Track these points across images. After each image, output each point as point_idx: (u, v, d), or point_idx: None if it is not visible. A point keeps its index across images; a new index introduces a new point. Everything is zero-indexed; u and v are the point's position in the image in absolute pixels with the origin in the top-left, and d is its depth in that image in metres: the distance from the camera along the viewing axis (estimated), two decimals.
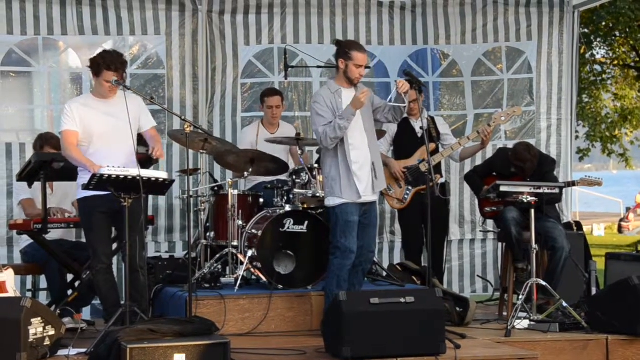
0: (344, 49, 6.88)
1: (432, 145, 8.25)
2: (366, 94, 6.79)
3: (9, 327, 5.87)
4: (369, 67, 9.32)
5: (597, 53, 18.84)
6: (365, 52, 6.93)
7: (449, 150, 8.38)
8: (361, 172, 6.86)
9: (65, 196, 7.88)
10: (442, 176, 8.58)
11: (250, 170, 7.91)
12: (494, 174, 8.16)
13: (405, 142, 8.53)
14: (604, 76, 18.88)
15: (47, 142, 7.75)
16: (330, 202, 6.89)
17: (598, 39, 18.09)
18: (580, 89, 16.81)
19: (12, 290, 6.78)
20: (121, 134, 6.62)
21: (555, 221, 7.90)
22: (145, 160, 6.94)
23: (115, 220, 6.69)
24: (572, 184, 8.40)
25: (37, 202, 7.59)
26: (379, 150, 7.10)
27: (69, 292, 7.55)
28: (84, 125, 6.68)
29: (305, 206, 7.67)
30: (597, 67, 18.73)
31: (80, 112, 6.69)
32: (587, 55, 17.79)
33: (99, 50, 8.66)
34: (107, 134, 6.68)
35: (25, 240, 7.68)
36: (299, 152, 7.92)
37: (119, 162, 6.48)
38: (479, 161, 9.30)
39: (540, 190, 7.47)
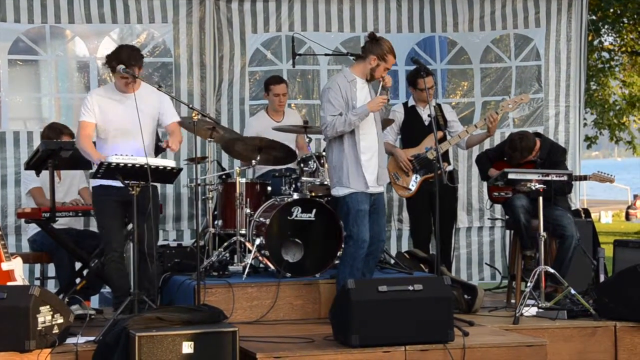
0: (382, 49, 6.83)
1: (440, 133, 8.23)
2: (385, 101, 6.81)
3: (18, 315, 5.88)
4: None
5: (605, 40, 18.77)
6: (395, 56, 6.93)
7: (456, 138, 8.37)
8: (369, 163, 6.86)
9: (71, 183, 7.89)
10: (449, 164, 8.57)
11: (258, 158, 7.91)
12: (505, 159, 8.15)
13: (413, 130, 8.52)
14: (612, 63, 18.80)
15: (65, 130, 7.74)
16: (339, 191, 6.87)
17: (606, 26, 18.01)
18: (588, 76, 16.74)
19: (20, 278, 6.81)
20: (138, 127, 6.63)
21: (563, 209, 7.89)
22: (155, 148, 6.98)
23: (128, 208, 6.69)
24: (584, 178, 8.37)
25: (46, 191, 7.60)
26: (383, 141, 7.09)
27: (77, 280, 7.56)
28: (103, 116, 6.75)
29: (313, 194, 7.67)
30: (605, 54, 18.65)
31: (100, 103, 6.77)
32: (595, 42, 17.73)
33: (105, 40, 8.77)
34: (124, 127, 6.72)
35: (33, 229, 7.68)
36: (307, 140, 7.91)
37: (135, 154, 6.49)
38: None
39: (549, 178, 7.46)
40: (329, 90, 6.87)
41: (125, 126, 6.72)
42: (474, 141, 8.60)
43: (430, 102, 7.58)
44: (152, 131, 6.90)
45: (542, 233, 7.39)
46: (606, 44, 18.86)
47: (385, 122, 8.29)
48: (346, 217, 6.86)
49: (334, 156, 6.91)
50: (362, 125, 6.83)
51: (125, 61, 6.65)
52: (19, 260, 6.90)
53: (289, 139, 8.45)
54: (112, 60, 6.71)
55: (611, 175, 8.28)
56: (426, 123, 8.39)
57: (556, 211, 7.74)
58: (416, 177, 8.39)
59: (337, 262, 7.64)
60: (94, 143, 6.88)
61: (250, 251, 7.52)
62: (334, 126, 6.77)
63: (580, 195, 10.47)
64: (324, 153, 7.76)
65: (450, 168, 8.50)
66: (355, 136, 6.82)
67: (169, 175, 6.62)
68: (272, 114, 8.66)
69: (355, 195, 6.81)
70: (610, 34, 18.63)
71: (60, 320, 6.12)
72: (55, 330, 6.07)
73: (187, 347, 5.82)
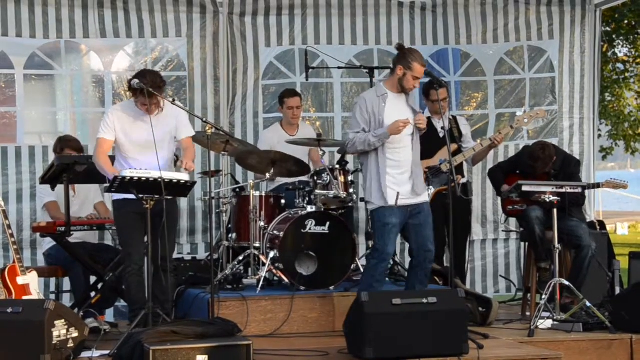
0: (407, 58, 6.86)
1: (454, 146, 8.23)
2: (407, 125, 6.80)
3: (33, 329, 5.90)
4: (389, 67, 9.30)
5: (620, 51, 18.71)
6: (424, 64, 6.93)
7: (470, 151, 8.36)
8: (402, 177, 6.89)
9: (86, 197, 7.92)
10: (463, 176, 8.55)
11: (272, 171, 7.92)
12: (518, 172, 8.13)
13: (427, 142, 8.46)
14: (626, 74, 18.74)
15: (67, 144, 7.81)
16: (369, 206, 7.00)
17: (620, 37, 17.97)
18: (603, 88, 16.69)
19: (35, 292, 6.84)
20: (158, 143, 6.65)
21: (578, 220, 7.86)
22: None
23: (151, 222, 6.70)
24: (597, 185, 8.34)
25: (62, 205, 7.62)
26: (419, 154, 7.09)
27: (92, 294, 7.58)
28: (122, 133, 6.78)
29: (327, 207, 7.68)
30: (620, 66, 18.59)
31: (120, 120, 6.80)
32: (609, 54, 17.68)
33: (120, 55, 8.78)
34: (142, 143, 6.75)
35: (48, 243, 7.72)
36: (320, 153, 7.92)
37: (152, 169, 6.52)
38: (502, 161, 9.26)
39: (563, 190, 7.44)
40: (356, 106, 6.99)
41: (143, 142, 6.76)
42: (479, 157, 8.60)
43: (443, 114, 7.58)
44: (169, 145, 6.91)
45: (557, 245, 7.37)
46: (620, 55, 18.80)
47: None
48: (374, 230, 6.99)
49: (363, 171, 7.04)
50: (393, 140, 6.85)
51: (152, 86, 6.65)
52: (34, 274, 6.94)
53: (302, 153, 8.47)
54: (135, 88, 6.67)
55: (624, 182, 8.24)
56: (441, 135, 8.38)
57: (571, 222, 7.72)
58: (430, 189, 8.38)
59: (351, 274, 7.67)
60: (113, 157, 6.92)
61: (264, 264, 7.53)
62: (354, 144, 6.89)
63: (596, 207, 10.42)
64: (337, 166, 7.79)
65: (464, 180, 8.49)
66: (380, 153, 6.86)
67: (182, 189, 6.64)
68: (286, 127, 8.67)
69: (383, 209, 6.85)
70: (624, 45, 18.58)
71: (75, 334, 6.14)
72: (70, 345, 6.09)
73: None
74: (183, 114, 6.97)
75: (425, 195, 7.03)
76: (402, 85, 6.91)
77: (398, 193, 6.83)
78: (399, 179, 6.88)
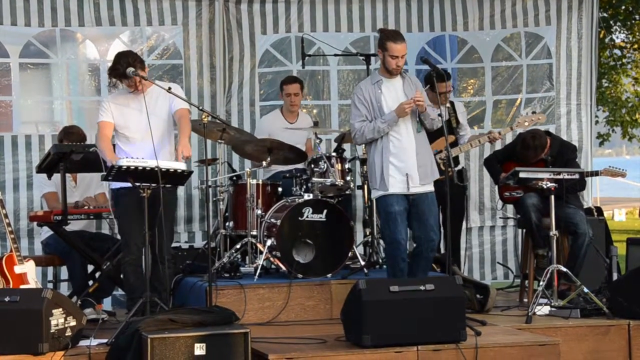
0: (381, 39, 6.91)
1: (451, 137, 8.20)
2: (412, 105, 6.79)
3: (31, 318, 5.90)
4: None
5: (617, 37, 18.70)
6: (401, 42, 6.89)
7: (467, 146, 8.39)
8: (405, 164, 6.88)
9: (87, 188, 7.91)
10: (459, 163, 8.56)
11: (269, 159, 7.91)
12: (515, 158, 8.12)
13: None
14: (623, 60, 18.73)
15: (68, 137, 7.76)
16: (373, 194, 7.04)
17: (618, 23, 17.95)
18: (600, 74, 16.68)
19: (33, 281, 6.84)
20: (154, 128, 6.64)
21: (575, 207, 7.86)
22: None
23: (148, 209, 6.69)
24: (596, 173, 8.33)
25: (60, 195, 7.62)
26: (427, 143, 7.07)
27: (90, 282, 7.57)
28: (117, 120, 6.80)
29: (324, 195, 7.67)
30: (617, 51, 18.58)
31: (116, 107, 6.83)
32: (607, 40, 17.66)
33: (116, 43, 8.78)
34: (137, 130, 6.77)
35: (46, 232, 7.71)
36: (317, 141, 7.91)
37: (151, 155, 6.52)
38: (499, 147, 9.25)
39: (560, 176, 7.43)
40: (354, 96, 7.03)
41: (138, 129, 6.76)
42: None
43: (442, 104, 7.57)
44: (165, 132, 6.89)
45: (554, 231, 7.37)
46: (618, 41, 18.79)
47: None
48: (380, 220, 7.04)
49: (368, 159, 7.07)
50: (394, 128, 6.88)
51: (131, 66, 6.68)
52: (31, 263, 6.93)
53: (301, 141, 8.45)
54: (116, 70, 6.73)
55: (623, 170, 8.24)
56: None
57: (568, 209, 7.72)
58: None
59: (349, 262, 7.68)
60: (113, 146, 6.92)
61: (261, 252, 7.52)
62: (363, 134, 6.90)
63: (594, 193, 10.41)
64: (334, 154, 7.78)
65: (459, 167, 8.50)
66: (383, 140, 6.89)
67: (179, 178, 6.64)
68: (286, 114, 8.67)
69: (385, 197, 6.89)
70: (621, 31, 18.56)
71: (73, 323, 6.14)
72: (68, 333, 6.09)
73: (199, 349, 5.83)
74: (178, 90, 6.94)
75: (430, 185, 7.02)
76: (386, 68, 6.91)
77: (407, 175, 6.85)
78: (401, 167, 6.89)
